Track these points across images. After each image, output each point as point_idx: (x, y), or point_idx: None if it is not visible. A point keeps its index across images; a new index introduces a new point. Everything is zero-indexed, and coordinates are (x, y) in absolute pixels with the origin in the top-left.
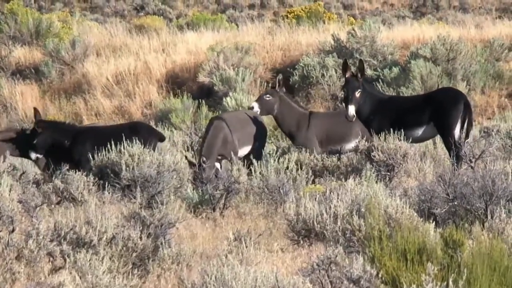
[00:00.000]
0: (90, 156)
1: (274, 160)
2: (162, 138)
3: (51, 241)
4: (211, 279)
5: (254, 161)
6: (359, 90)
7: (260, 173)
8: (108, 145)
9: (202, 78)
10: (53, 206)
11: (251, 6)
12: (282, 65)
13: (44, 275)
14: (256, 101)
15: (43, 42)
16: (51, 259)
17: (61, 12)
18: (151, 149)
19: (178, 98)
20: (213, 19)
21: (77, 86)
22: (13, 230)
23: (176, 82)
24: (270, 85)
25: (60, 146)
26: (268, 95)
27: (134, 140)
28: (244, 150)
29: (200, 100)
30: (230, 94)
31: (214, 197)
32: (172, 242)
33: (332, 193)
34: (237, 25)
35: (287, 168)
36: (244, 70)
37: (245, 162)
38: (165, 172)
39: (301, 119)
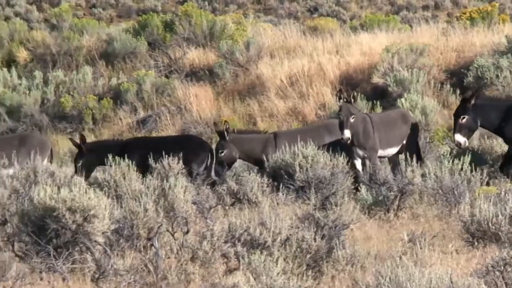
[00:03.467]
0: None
1: (448, 162)
2: (211, 152)
3: (226, 242)
4: (385, 280)
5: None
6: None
7: (434, 174)
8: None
9: (376, 79)
10: (227, 207)
11: (425, 7)
12: (455, 66)
13: (218, 276)
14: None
15: (217, 44)
16: (225, 260)
17: (235, 14)
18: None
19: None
20: (387, 20)
21: (251, 87)
22: (187, 232)
23: (350, 84)
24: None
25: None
26: (221, 151)
27: (180, 153)
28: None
29: (374, 101)
30: (405, 95)
31: (388, 199)
32: (346, 243)
33: (507, 194)
34: (410, 26)
35: (461, 169)
36: (418, 71)
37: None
38: (339, 173)
39: (267, 143)
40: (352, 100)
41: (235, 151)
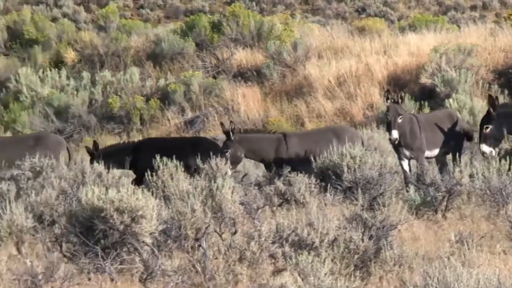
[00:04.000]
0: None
1: (496, 162)
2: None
3: (273, 243)
4: (433, 281)
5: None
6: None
7: (482, 174)
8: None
9: (424, 79)
10: (275, 208)
11: (473, 8)
12: (503, 67)
13: (266, 277)
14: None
15: (265, 45)
16: (273, 261)
17: (283, 14)
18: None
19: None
20: (435, 21)
21: (299, 88)
22: (235, 232)
23: (397, 84)
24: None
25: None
26: (226, 150)
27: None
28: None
29: (422, 101)
30: (453, 95)
31: (436, 199)
32: (394, 244)
33: None
34: (458, 26)
35: (509, 169)
36: (466, 71)
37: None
38: (387, 174)
39: (279, 143)
40: (400, 100)
41: (240, 151)
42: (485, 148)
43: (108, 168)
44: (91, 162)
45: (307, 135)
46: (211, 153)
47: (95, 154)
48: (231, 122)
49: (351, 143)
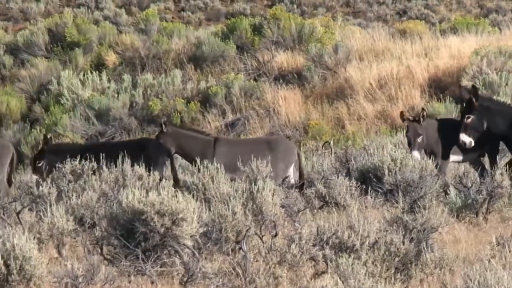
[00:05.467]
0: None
1: None
2: (170, 155)
3: (314, 245)
4: (474, 283)
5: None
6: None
7: None
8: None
9: (465, 82)
10: (315, 210)
11: None
12: None
13: (306, 280)
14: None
15: (306, 47)
16: (313, 263)
17: (324, 17)
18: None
19: (441, 102)
20: (476, 23)
21: (340, 91)
22: (276, 235)
23: (438, 87)
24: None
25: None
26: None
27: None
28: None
29: (463, 104)
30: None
31: (477, 202)
32: (435, 246)
33: None
34: (499, 29)
35: None
36: (508, 74)
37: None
38: (428, 176)
39: (206, 146)
40: (421, 118)
41: (170, 143)
42: (465, 137)
43: (49, 166)
44: (38, 155)
45: (239, 143)
46: (156, 156)
47: (44, 148)
48: (163, 114)
49: (285, 156)
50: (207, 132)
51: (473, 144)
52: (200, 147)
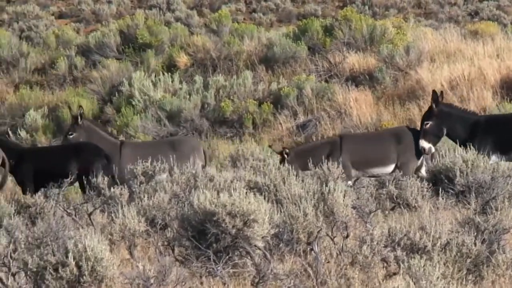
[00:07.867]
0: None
1: None
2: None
3: (385, 246)
4: None
5: None
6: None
7: None
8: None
9: None
10: (387, 211)
11: None
12: None
13: (378, 281)
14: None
15: (377, 48)
16: (385, 264)
17: (395, 18)
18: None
19: None
20: None
21: (411, 92)
22: (347, 236)
23: (510, 88)
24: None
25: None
26: (70, 133)
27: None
28: None
29: None
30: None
31: None
32: (507, 248)
33: None
34: None
35: None
36: None
37: None
38: (500, 177)
39: (112, 149)
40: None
41: (83, 137)
42: (424, 144)
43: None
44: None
45: (144, 145)
46: (94, 159)
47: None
48: (80, 106)
49: (189, 155)
50: (115, 135)
51: (433, 150)
52: (107, 149)
